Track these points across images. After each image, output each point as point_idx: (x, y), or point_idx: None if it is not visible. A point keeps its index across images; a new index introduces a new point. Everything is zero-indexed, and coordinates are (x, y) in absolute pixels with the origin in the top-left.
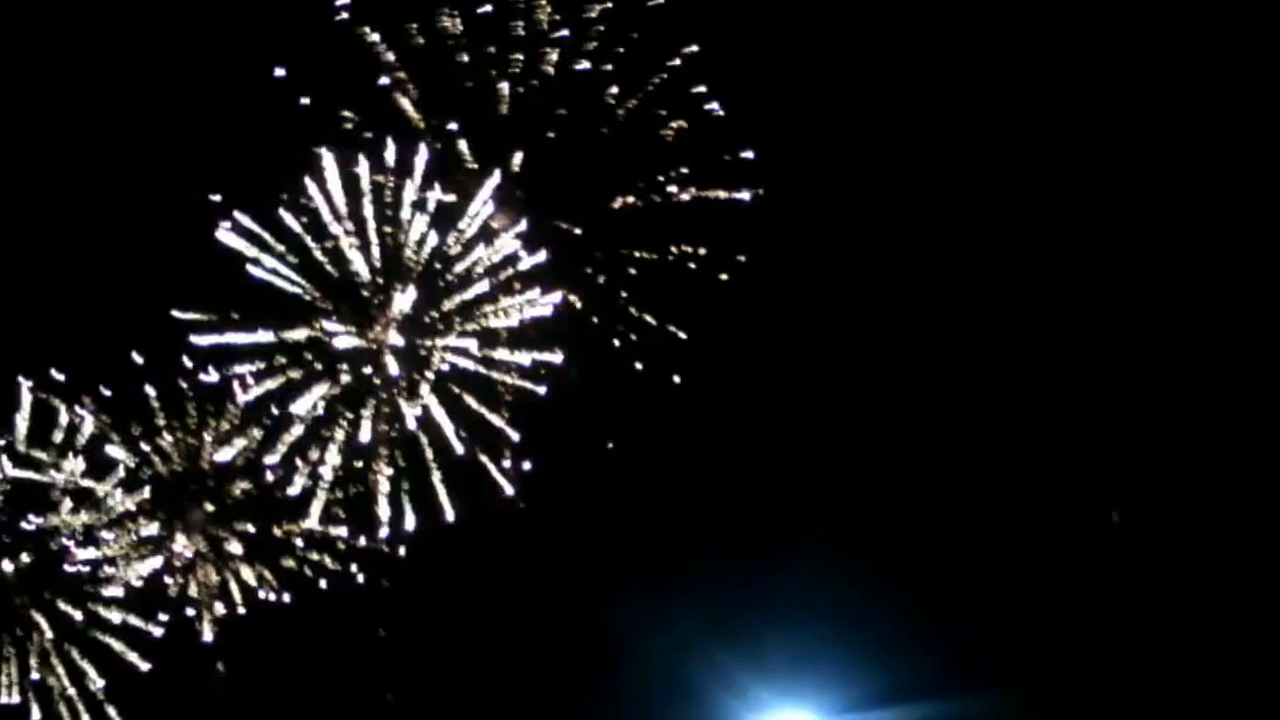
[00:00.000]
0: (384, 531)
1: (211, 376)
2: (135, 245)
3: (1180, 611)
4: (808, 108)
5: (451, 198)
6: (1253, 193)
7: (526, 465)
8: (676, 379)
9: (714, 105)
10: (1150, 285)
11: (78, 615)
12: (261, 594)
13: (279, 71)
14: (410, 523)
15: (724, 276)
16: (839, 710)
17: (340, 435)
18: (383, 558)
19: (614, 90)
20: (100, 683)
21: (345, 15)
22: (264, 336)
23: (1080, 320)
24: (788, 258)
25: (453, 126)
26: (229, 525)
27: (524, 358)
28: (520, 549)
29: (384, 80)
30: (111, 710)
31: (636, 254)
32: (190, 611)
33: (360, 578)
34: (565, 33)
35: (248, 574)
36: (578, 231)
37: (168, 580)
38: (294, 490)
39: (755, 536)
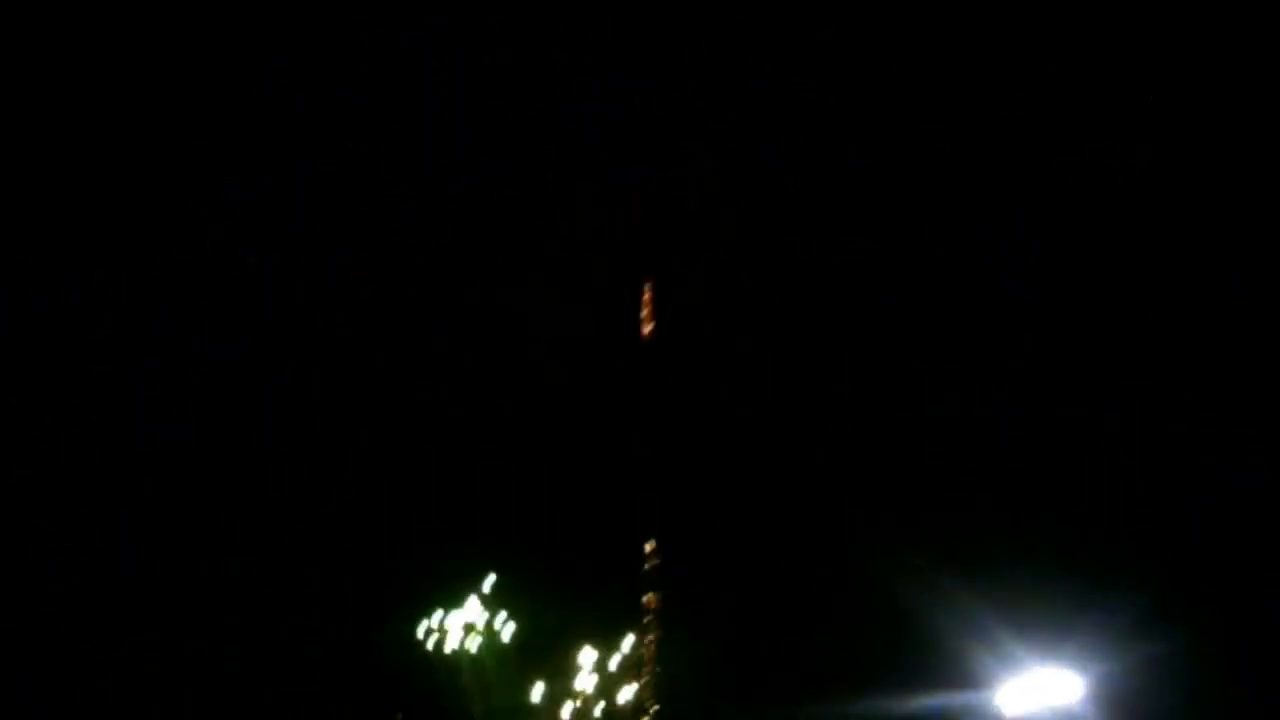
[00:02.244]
0: None
1: None
2: None
3: None
4: (806, 106)
5: None
6: (1253, 193)
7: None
8: None
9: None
10: (1150, 285)
11: None
12: None
13: None
14: None
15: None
16: (1105, 673)
17: None
18: None
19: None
20: None
21: None
22: None
23: (1080, 320)
24: (786, 257)
25: None
26: None
27: None
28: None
29: None
30: None
31: None
32: None
33: None
34: None
35: None
36: None
37: None
38: None
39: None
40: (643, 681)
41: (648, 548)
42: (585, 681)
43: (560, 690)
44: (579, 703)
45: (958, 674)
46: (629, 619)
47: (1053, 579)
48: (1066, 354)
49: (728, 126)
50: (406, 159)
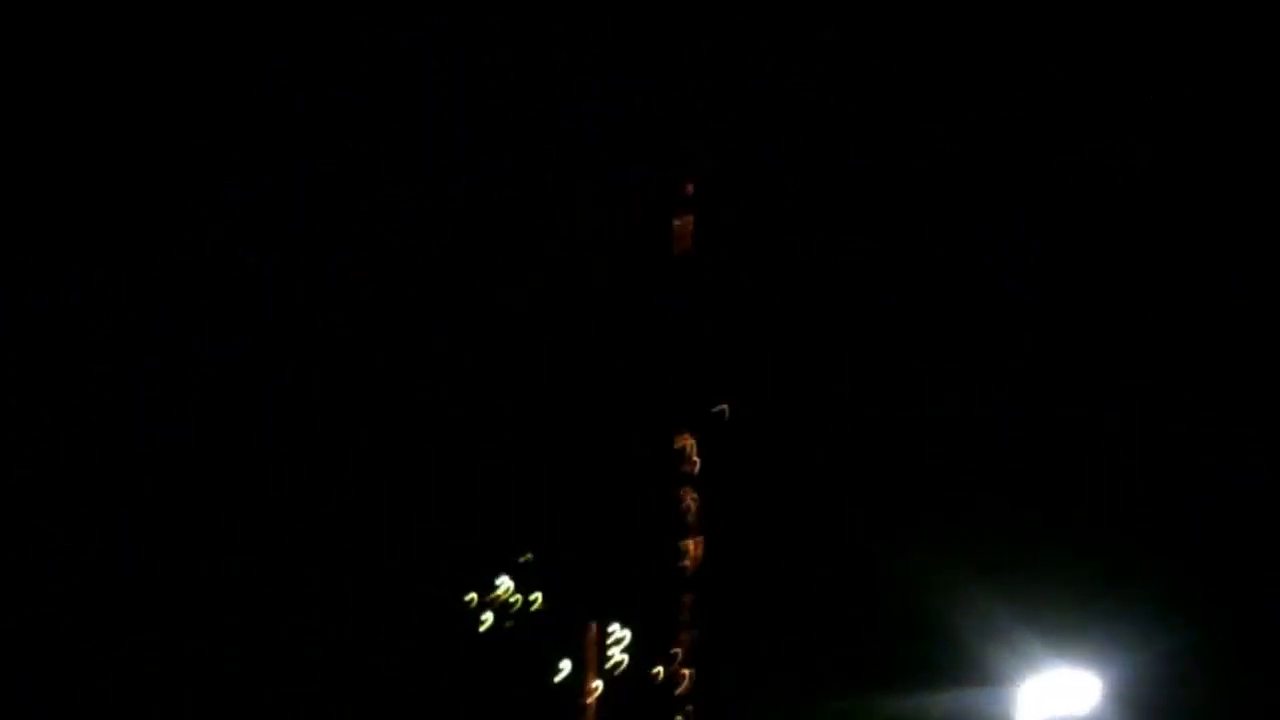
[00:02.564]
0: None
1: None
2: None
3: None
4: (806, 106)
5: None
6: (1253, 193)
7: None
8: None
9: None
10: (1150, 285)
11: None
12: None
13: None
14: None
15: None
16: (1122, 673)
17: None
18: None
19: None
20: None
21: None
22: None
23: (1080, 320)
24: (784, 257)
25: None
26: None
27: None
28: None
29: None
30: None
31: None
32: None
33: None
34: None
35: None
36: None
37: None
38: None
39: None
40: (680, 672)
41: (691, 546)
42: (616, 662)
43: (590, 671)
44: (607, 684)
45: (971, 674)
46: (666, 606)
47: (1068, 576)
48: (1067, 354)
49: (728, 126)
50: (406, 159)
